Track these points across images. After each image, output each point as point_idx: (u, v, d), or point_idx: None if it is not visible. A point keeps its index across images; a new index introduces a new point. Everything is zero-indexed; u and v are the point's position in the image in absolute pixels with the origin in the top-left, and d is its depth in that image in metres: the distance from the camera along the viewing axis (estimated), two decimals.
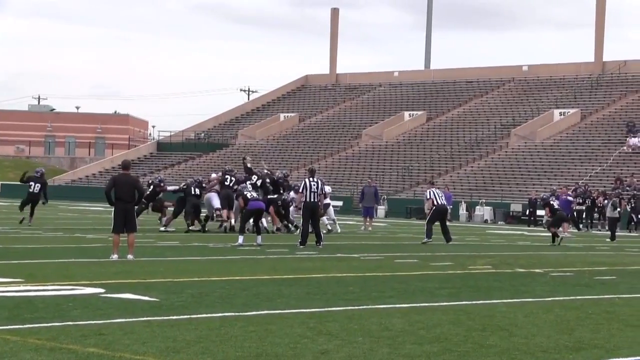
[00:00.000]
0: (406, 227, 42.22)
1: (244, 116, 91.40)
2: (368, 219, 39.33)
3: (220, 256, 21.49)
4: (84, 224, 35.36)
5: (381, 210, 57.65)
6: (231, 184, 32.11)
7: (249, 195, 26.61)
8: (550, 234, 31.58)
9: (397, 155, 72.64)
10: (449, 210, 53.59)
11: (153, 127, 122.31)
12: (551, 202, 31.96)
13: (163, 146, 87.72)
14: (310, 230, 25.75)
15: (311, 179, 25.96)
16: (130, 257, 19.45)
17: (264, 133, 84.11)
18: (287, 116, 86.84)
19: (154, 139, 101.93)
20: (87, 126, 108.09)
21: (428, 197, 30.49)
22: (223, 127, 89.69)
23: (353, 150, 76.05)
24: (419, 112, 79.77)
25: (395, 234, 35.69)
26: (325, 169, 70.24)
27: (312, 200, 25.63)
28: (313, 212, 25.73)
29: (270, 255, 21.95)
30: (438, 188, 32.49)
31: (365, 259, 21.59)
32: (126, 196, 19.68)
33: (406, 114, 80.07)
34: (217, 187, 32.76)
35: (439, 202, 30.07)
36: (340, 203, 56.19)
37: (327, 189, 34.55)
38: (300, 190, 26.29)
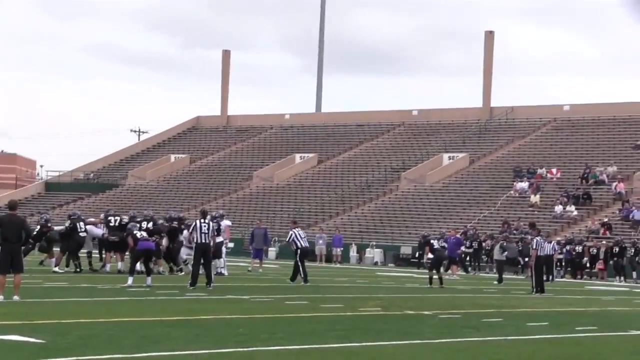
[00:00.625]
0: None
1: (134, 157, 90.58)
2: (258, 261, 39.32)
3: (108, 297, 21.23)
4: None
5: (272, 252, 57.55)
6: (116, 224, 32.09)
7: (138, 234, 26.52)
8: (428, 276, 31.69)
9: (288, 197, 72.74)
10: (319, 251, 54.17)
11: (41, 166, 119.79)
12: (431, 241, 31.99)
13: (51, 186, 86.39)
14: (200, 271, 25.69)
15: (202, 220, 25.94)
16: (16, 298, 19.14)
17: (154, 174, 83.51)
18: (178, 157, 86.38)
19: (42, 178, 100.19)
20: None
21: (289, 239, 31.23)
22: (113, 167, 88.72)
23: (244, 192, 75.96)
24: (310, 155, 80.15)
25: (286, 276, 35.62)
26: (216, 210, 69.76)
27: (202, 241, 25.57)
28: (204, 253, 25.69)
29: (159, 297, 21.77)
30: (302, 229, 32.81)
31: (256, 301, 21.55)
32: (13, 237, 19.42)
33: (297, 156, 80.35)
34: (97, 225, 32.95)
35: (302, 244, 30.60)
36: (231, 245, 55.88)
37: (227, 222, 34.47)
38: (190, 231, 26.24)
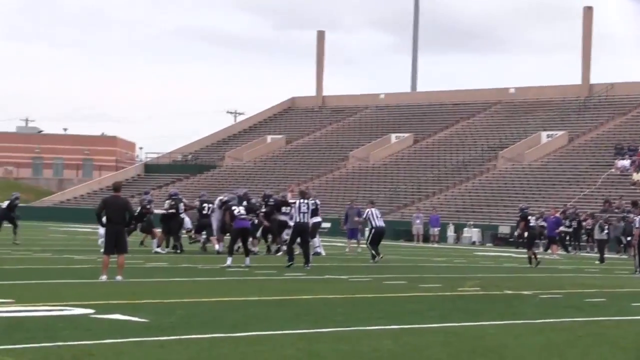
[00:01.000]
0: (394, 249, 42.20)
1: (231, 138, 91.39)
2: (355, 241, 39.30)
3: (209, 277, 21.49)
4: (72, 244, 35.28)
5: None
6: (210, 212, 32.29)
7: (235, 211, 26.64)
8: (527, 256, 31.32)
9: (384, 177, 72.62)
10: (419, 232, 53.99)
11: (140, 148, 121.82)
12: (528, 217, 31.54)
13: (150, 168, 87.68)
14: (297, 251, 25.90)
15: (302, 200, 26.19)
16: (119, 278, 19.46)
17: (251, 155, 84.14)
18: (274, 138, 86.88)
19: (141, 160, 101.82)
20: (74, 148, 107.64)
21: (364, 216, 31.25)
22: (210, 148, 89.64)
23: (340, 172, 76.07)
24: (406, 135, 79.86)
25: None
26: (312, 190, 70.04)
27: (301, 220, 25.85)
28: (302, 232, 26.04)
29: (258, 277, 21.95)
30: (377, 208, 32.47)
31: (353, 281, 21.58)
32: (117, 218, 19.88)
33: (393, 136, 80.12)
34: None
35: (376, 224, 30.56)
36: (328, 225, 56.05)
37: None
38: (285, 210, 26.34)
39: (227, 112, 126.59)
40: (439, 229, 55.57)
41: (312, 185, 71.63)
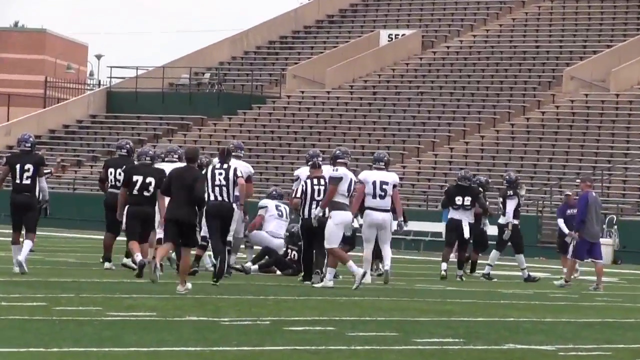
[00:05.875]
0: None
1: (298, 37, 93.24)
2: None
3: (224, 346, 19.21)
4: None
5: (607, 246, 57.40)
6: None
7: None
8: None
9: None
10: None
11: (97, 58, 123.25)
12: None
13: (119, 100, 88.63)
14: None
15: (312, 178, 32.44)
16: (181, 288, 26.04)
17: (344, 73, 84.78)
18: (394, 36, 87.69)
19: (100, 83, 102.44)
20: None
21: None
22: (252, 62, 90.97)
23: (544, 110, 75.33)
24: None
25: None
26: (477, 150, 69.87)
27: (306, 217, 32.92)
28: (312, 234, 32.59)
29: None
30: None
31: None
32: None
33: None
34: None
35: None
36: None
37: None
38: (298, 195, 32.89)
39: None
40: None
41: (481, 141, 69.98)
